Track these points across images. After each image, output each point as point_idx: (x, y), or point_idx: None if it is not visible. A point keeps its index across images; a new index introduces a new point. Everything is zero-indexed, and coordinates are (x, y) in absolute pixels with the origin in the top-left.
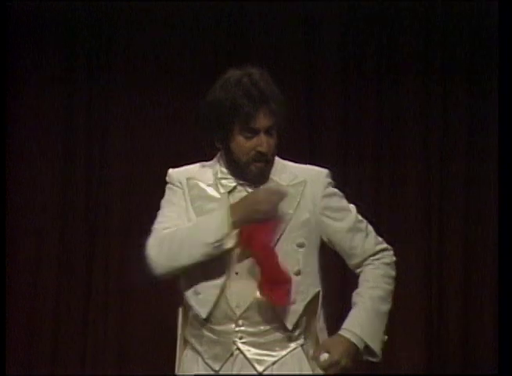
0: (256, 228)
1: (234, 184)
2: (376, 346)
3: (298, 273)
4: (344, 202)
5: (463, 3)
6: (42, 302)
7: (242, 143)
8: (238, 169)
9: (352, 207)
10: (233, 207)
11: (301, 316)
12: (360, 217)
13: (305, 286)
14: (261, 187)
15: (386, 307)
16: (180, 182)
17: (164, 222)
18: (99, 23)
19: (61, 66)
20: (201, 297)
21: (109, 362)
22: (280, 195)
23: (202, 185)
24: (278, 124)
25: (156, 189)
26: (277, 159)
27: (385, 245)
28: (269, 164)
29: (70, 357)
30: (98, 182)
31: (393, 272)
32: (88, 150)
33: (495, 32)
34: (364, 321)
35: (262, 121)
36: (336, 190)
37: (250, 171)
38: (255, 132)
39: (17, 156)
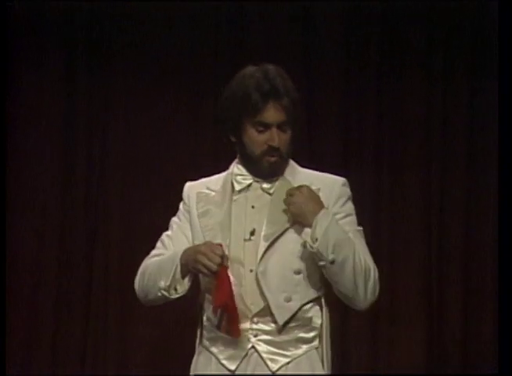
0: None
1: (249, 182)
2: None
3: (298, 272)
4: (351, 217)
5: (465, 3)
6: (42, 302)
7: (254, 137)
8: (252, 164)
9: (360, 228)
10: (184, 252)
11: (296, 315)
12: (362, 236)
13: (304, 287)
14: (205, 244)
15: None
16: (188, 198)
17: (158, 248)
18: (99, 23)
19: (61, 66)
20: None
21: (110, 362)
22: (222, 251)
23: (212, 194)
24: (292, 121)
25: (157, 188)
26: (294, 164)
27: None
28: (282, 159)
29: (70, 357)
30: (98, 182)
31: (371, 273)
32: (88, 150)
33: (496, 32)
34: (338, 228)
35: (273, 115)
36: (349, 204)
37: (263, 166)
38: (266, 126)
39: (17, 156)
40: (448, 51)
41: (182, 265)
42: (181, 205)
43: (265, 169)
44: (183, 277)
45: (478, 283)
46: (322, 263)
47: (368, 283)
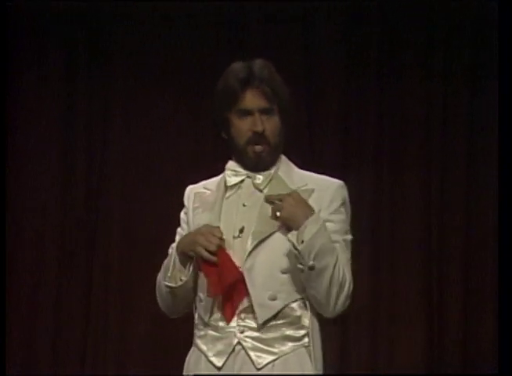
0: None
1: (242, 178)
2: (309, 245)
3: (285, 272)
4: (341, 225)
5: (465, 3)
6: (42, 302)
7: (238, 125)
8: (241, 158)
9: (348, 237)
10: (180, 240)
11: (281, 313)
12: (348, 246)
13: (289, 286)
14: (204, 227)
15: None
16: (188, 198)
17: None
18: (99, 23)
19: (61, 66)
20: (203, 304)
21: (110, 362)
22: (220, 233)
23: (207, 193)
24: (279, 109)
25: (157, 188)
26: (290, 163)
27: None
28: (271, 149)
29: (70, 357)
30: (98, 182)
31: (345, 286)
32: (88, 150)
33: (496, 32)
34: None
35: (252, 100)
36: (342, 209)
37: (247, 155)
38: (248, 113)
39: (17, 156)
40: (448, 51)
41: (179, 254)
42: (182, 212)
43: (252, 159)
44: (184, 266)
45: (478, 283)
46: (300, 267)
47: (340, 295)
